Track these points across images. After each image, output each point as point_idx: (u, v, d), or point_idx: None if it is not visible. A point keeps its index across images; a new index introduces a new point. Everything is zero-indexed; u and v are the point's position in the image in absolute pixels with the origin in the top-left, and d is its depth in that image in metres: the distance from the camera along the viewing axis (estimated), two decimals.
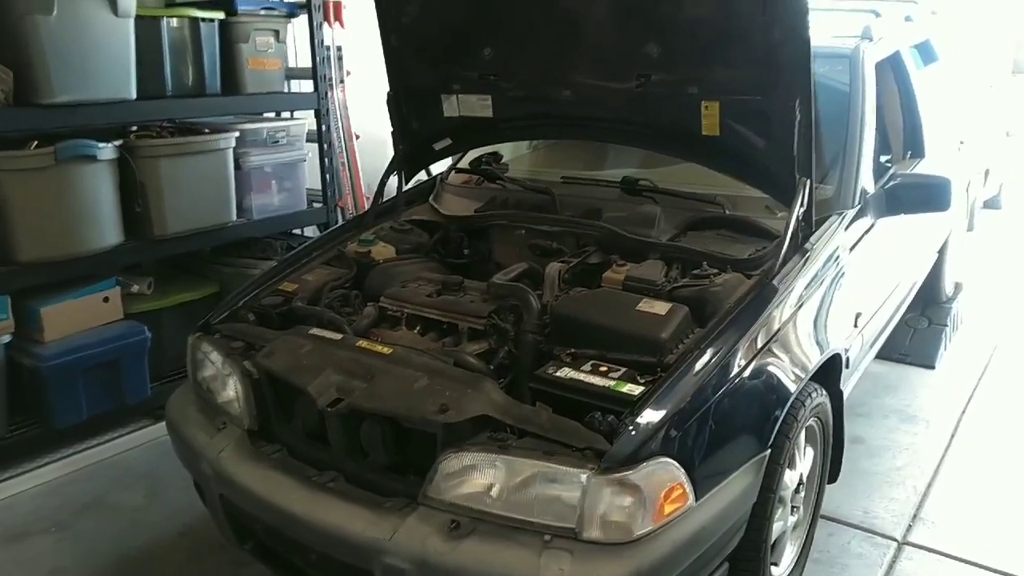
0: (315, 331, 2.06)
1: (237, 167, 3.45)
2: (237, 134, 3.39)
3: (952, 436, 3.21)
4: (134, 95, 3.01)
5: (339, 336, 2.03)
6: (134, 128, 3.30)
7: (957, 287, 4.51)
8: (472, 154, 2.97)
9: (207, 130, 3.36)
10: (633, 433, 1.58)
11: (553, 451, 1.59)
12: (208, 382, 2.20)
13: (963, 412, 3.42)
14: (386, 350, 1.92)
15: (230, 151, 3.37)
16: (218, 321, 2.29)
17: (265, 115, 3.85)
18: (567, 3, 2.26)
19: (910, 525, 2.64)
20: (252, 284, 2.46)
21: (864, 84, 2.62)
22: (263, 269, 2.80)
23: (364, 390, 1.80)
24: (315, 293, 2.32)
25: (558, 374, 1.77)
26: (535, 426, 1.65)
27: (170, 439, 2.26)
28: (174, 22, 3.18)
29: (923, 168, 3.04)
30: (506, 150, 3.00)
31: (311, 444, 1.94)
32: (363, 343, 1.98)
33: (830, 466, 2.35)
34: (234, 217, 3.45)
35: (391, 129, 2.80)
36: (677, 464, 1.59)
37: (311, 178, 3.93)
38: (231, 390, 2.08)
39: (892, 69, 3.10)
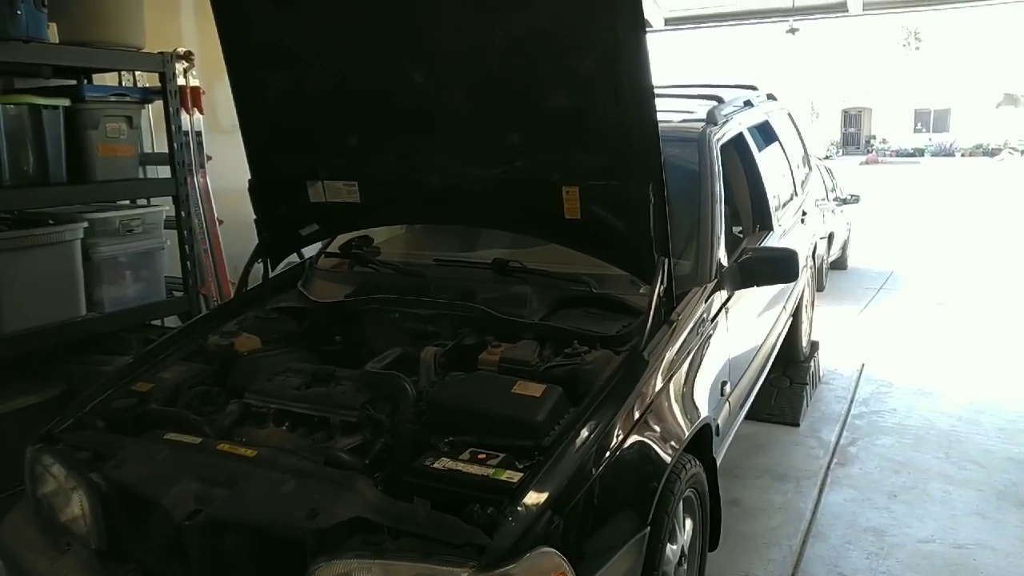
0: (171, 435, 1.92)
1: (87, 258, 3.23)
2: (85, 224, 3.19)
3: (820, 492, 3.37)
4: None
5: (198, 440, 1.90)
6: None
7: (813, 346, 4.82)
8: (342, 238, 2.92)
9: (51, 221, 3.14)
10: (513, 524, 1.54)
11: (432, 550, 1.53)
12: (49, 499, 1.99)
13: (828, 467, 3.60)
14: (250, 452, 1.81)
15: (77, 242, 3.15)
16: (62, 429, 2.10)
17: (120, 203, 3.66)
18: (429, 95, 2.29)
19: None
20: (102, 385, 2.27)
21: (712, 165, 2.80)
22: (116, 366, 2.60)
23: (225, 498, 1.68)
24: (172, 392, 2.18)
25: (436, 466, 1.72)
26: (412, 524, 1.59)
27: (3, 566, 2.01)
28: (11, 109, 2.98)
29: (771, 240, 3.26)
30: (377, 233, 2.98)
31: (169, 561, 1.77)
32: (224, 446, 1.86)
33: (710, 534, 2.39)
34: (83, 311, 3.21)
35: (254, 216, 2.72)
36: (559, 552, 1.57)
37: (172, 266, 3.74)
38: (76, 506, 1.89)
39: (737, 150, 3.34)
